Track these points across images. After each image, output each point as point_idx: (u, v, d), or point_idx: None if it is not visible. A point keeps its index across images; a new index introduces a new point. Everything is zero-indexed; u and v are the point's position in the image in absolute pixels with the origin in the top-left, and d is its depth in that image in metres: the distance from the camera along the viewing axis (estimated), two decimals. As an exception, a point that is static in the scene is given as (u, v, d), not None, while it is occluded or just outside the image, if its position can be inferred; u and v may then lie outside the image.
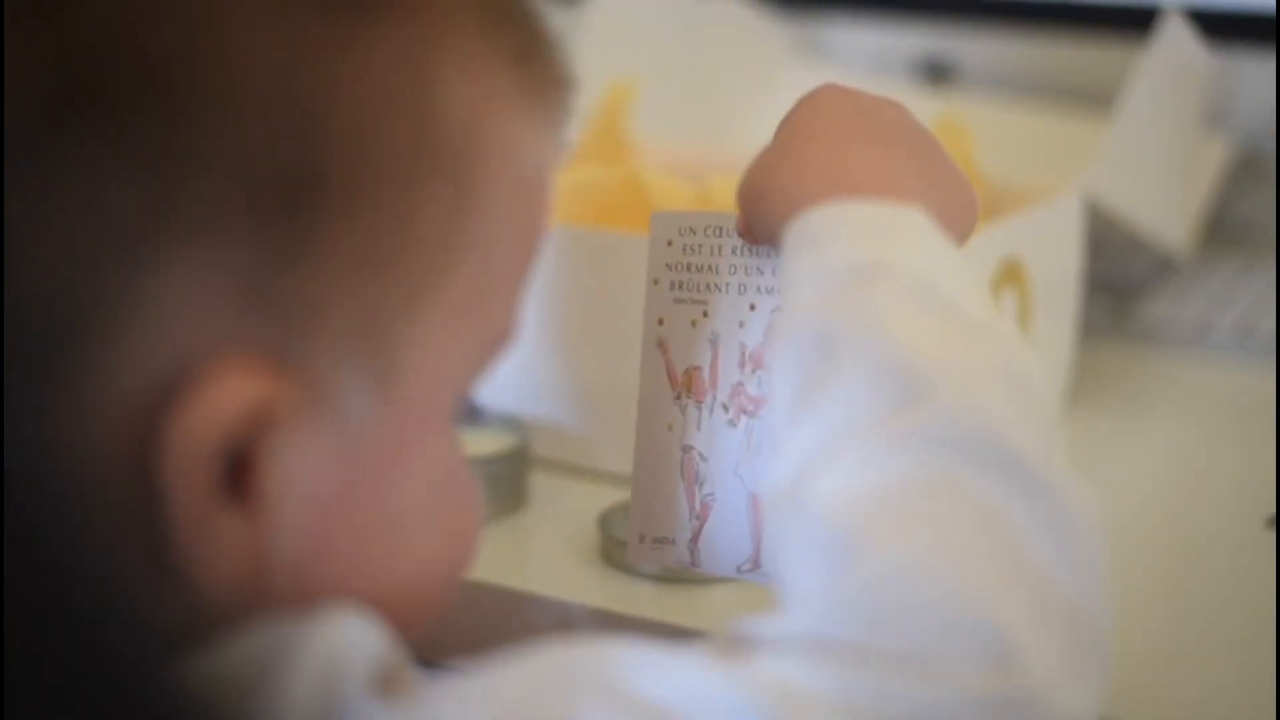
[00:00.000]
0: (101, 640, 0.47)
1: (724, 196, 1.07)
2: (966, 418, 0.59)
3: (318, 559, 0.55)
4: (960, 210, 0.72)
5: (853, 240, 0.65)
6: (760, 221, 0.73)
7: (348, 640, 0.54)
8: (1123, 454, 1.08)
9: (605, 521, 0.93)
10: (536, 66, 0.59)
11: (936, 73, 1.55)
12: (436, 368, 0.57)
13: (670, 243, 0.78)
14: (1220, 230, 1.41)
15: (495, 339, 0.60)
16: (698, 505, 0.77)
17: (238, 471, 0.53)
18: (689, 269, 0.77)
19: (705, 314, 0.77)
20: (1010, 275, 1.04)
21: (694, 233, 0.77)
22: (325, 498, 0.55)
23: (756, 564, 0.76)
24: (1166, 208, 1.27)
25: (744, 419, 0.76)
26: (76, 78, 0.50)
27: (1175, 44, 1.24)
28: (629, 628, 0.86)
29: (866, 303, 0.63)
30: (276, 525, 0.53)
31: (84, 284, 0.50)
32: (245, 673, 0.53)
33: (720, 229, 0.77)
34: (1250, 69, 1.41)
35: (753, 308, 0.76)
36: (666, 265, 0.78)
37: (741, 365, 0.76)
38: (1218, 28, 1.32)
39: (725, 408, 0.77)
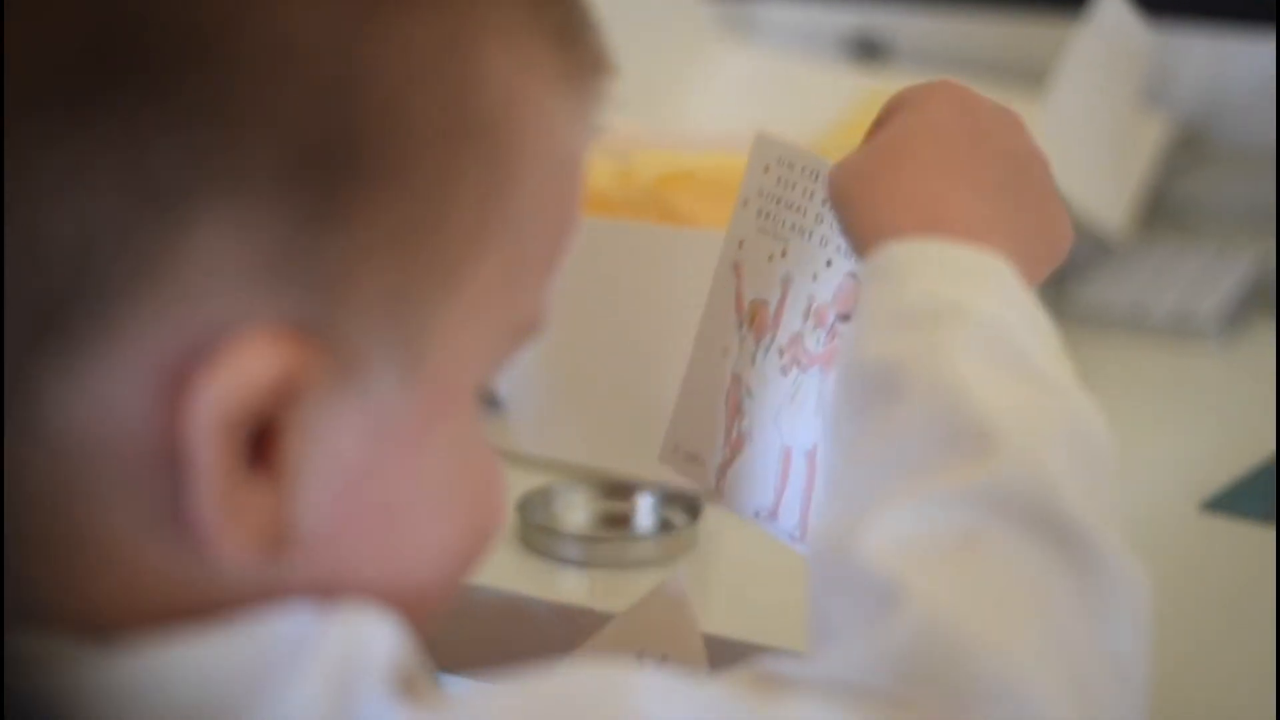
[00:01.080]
0: None
1: (647, 174, 1.06)
2: (1027, 479, 0.58)
3: (337, 538, 0.54)
4: (1052, 242, 0.71)
5: (932, 281, 0.64)
6: (844, 224, 0.71)
7: (366, 640, 0.53)
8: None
9: (524, 507, 0.93)
10: (577, 47, 0.59)
11: (869, 50, 1.54)
12: (464, 348, 0.56)
13: (767, 169, 0.75)
14: (1158, 210, 1.40)
15: (523, 325, 0.59)
16: (734, 435, 0.76)
17: (263, 442, 0.52)
18: (779, 202, 0.75)
19: (784, 253, 0.75)
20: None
21: (791, 168, 0.75)
22: (348, 472, 0.54)
23: (774, 515, 0.75)
24: (1102, 187, 1.27)
25: (795, 371, 0.74)
26: (121, 33, 0.50)
27: (1111, 19, 1.24)
28: (548, 613, 0.86)
29: (938, 347, 0.61)
30: (299, 498, 0.53)
31: (117, 243, 0.50)
32: (257, 661, 0.52)
33: (816, 173, 0.74)
34: (1189, 45, 1.40)
35: (829, 264, 0.73)
36: (759, 191, 0.75)
37: (805, 317, 0.74)
38: (1155, 2, 1.31)
39: (781, 352, 0.75)
